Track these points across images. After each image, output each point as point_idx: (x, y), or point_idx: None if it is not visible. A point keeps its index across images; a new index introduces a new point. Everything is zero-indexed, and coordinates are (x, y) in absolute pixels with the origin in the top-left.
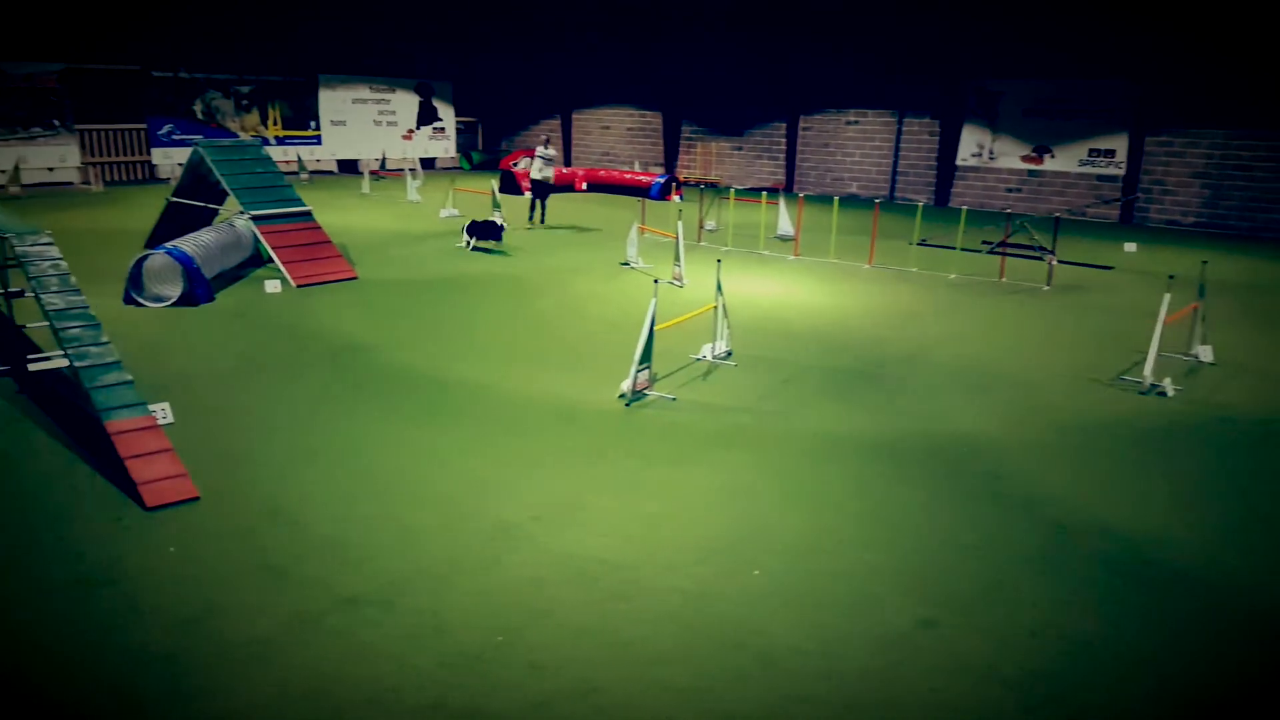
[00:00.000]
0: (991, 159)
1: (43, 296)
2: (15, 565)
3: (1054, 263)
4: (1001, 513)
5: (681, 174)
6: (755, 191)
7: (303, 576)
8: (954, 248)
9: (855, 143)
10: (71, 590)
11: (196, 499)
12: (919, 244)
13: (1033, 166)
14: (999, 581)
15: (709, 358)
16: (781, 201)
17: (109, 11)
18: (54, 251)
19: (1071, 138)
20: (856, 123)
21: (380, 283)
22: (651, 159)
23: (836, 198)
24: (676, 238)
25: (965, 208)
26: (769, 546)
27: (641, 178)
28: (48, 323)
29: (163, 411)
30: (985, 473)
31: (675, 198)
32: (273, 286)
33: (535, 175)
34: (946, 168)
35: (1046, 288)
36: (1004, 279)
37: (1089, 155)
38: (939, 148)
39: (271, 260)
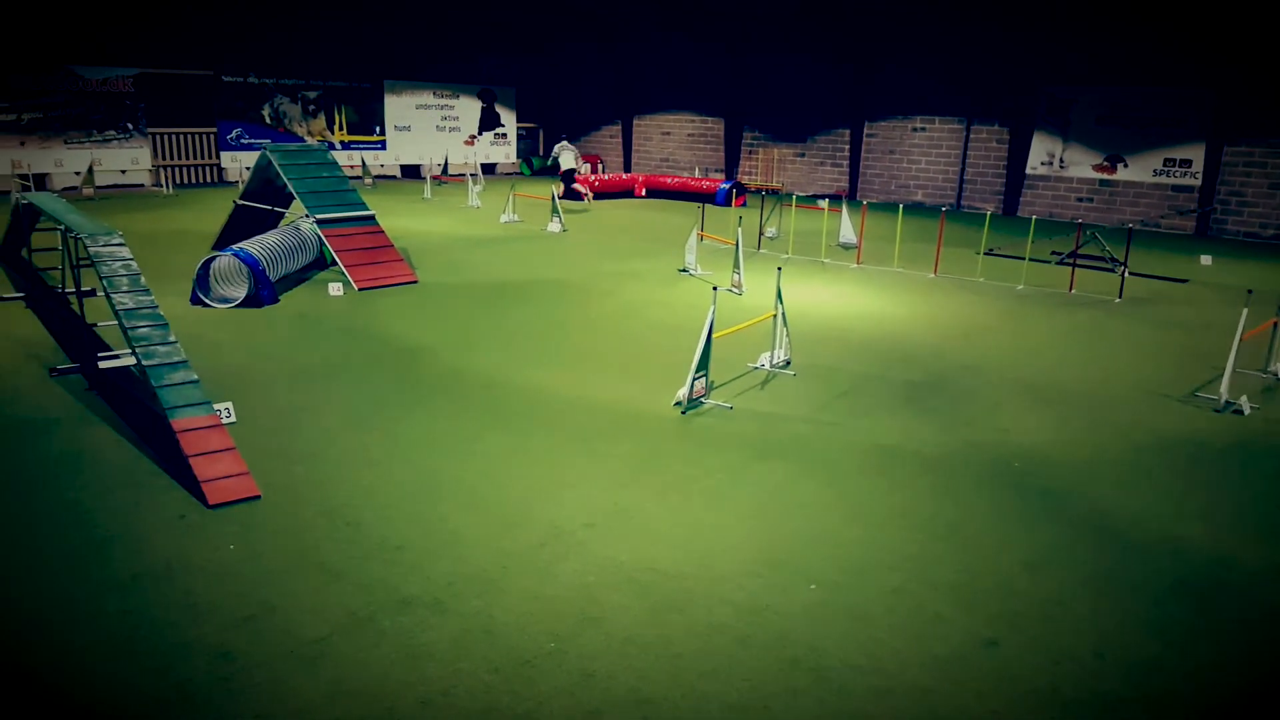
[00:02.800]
0: (1062, 168)
1: (113, 296)
2: (81, 559)
3: (1126, 275)
4: (1067, 531)
5: (743, 180)
6: (817, 198)
7: (359, 577)
8: (1022, 258)
9: (921, 149)
10: (133, 585)
11: (257, 497)
12: (986, 254)
13: (1105, 176)
14: (1063, 601)
15: (767, 366)
16: (844, 208)
17: (182, 18)
18: (125, 252)
19: (1146, 147)
20: (923, 129)
21: (440, 286)
22: (712, 165)
23: (901, 205)
24: (736, 244)
25: (1034, 217)
26: (825, 560)
27: (704, 184)
28: (117, 321)
29: (226, 410)
30: (1050, 489)
31: (739, 204)
32: (335, 289)
33: (572, 165)
34: (1015, 176)
35: (1118, 300)
36: (1074, 291)
37: (1164, 165)
38: (1008, 156)
39: (335, 263)
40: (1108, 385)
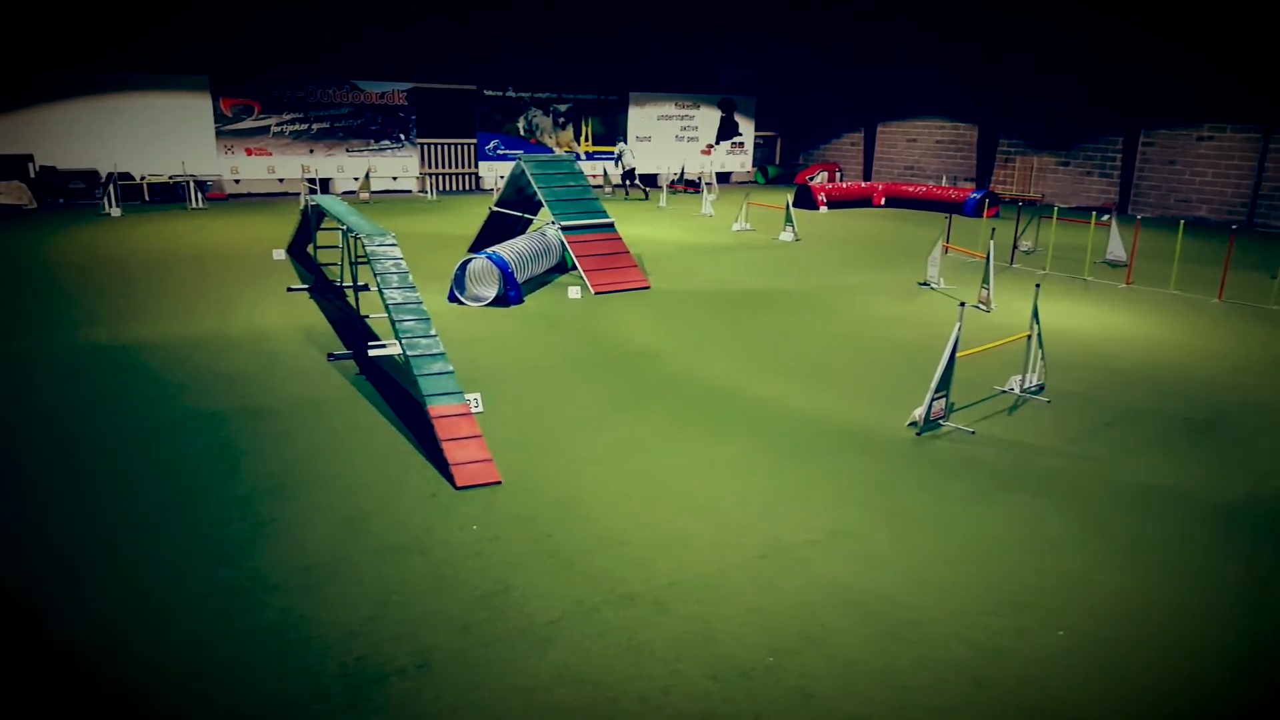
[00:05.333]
0: None
1: (385, 291)
2: (350, 526)
3: None
4: None
5: (996, 189)
6: (1082, 211)
7: (587, 567)
8: None
9: (1208, 160)
10: (390, 554)
11: (498, 484)
12: None
13: None
14: None
15: (1017, 390)
16: (1113, 223)
17: (451, 39)
18: (396, 252)
19: None
20: (1211, 138)
21: (671, 293)
22: (962, 173)
23: (1181, 221)
24: (987, 258)
25: None
26: (1076, 605)
27: (952, 193)
28: (387, 314)
29: (475, 401)
30: None
31: (990, 215)
32: (574, 292)
33: (632, 163)
34: None
35: None
36: None
37: None
38: None
39: (574, 268)
40: None
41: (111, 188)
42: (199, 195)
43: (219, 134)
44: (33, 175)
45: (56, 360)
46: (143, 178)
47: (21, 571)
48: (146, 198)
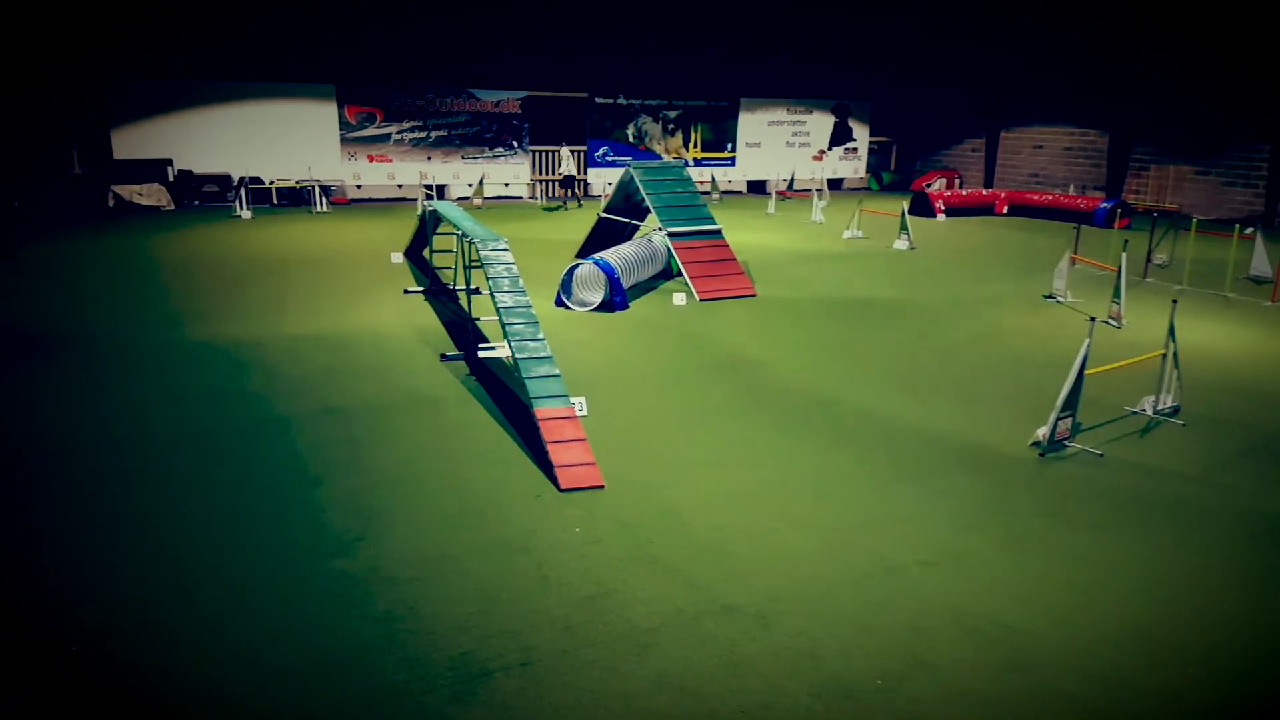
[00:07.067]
0: None
1: (496, 295)
2: (458, 523)
3: None
4: None
5: (1129, 199)
6: (1223, 224)
7: (688, 576)
8: None
9: None
10: (496, 552)
11: (601, 487)
12: None
13: None
14: None
15: (1149, 412)
16: (1258, 236)
17: (564, 48)
18: (508, 256)
19: None
20: None
21: (778, 301)
22: (1090, 182)
23: None
24: (1118, 271)
25: None
26: (1211, 643)
27: (1081, 202)
28: (497, 317)
29: (580, 405)
30: None
31: (1122, 225)
32: (679, 299)
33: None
34: None
35: None
36: None
37: None
38: None
39: (680, 275)
40: None
41: (243, 191)
42: (323, 199)
43: (343, 141)
44: (171, 179)
45: (189, 352)
46: (271, 182)
47: (157, 552)
48: (275, 201)
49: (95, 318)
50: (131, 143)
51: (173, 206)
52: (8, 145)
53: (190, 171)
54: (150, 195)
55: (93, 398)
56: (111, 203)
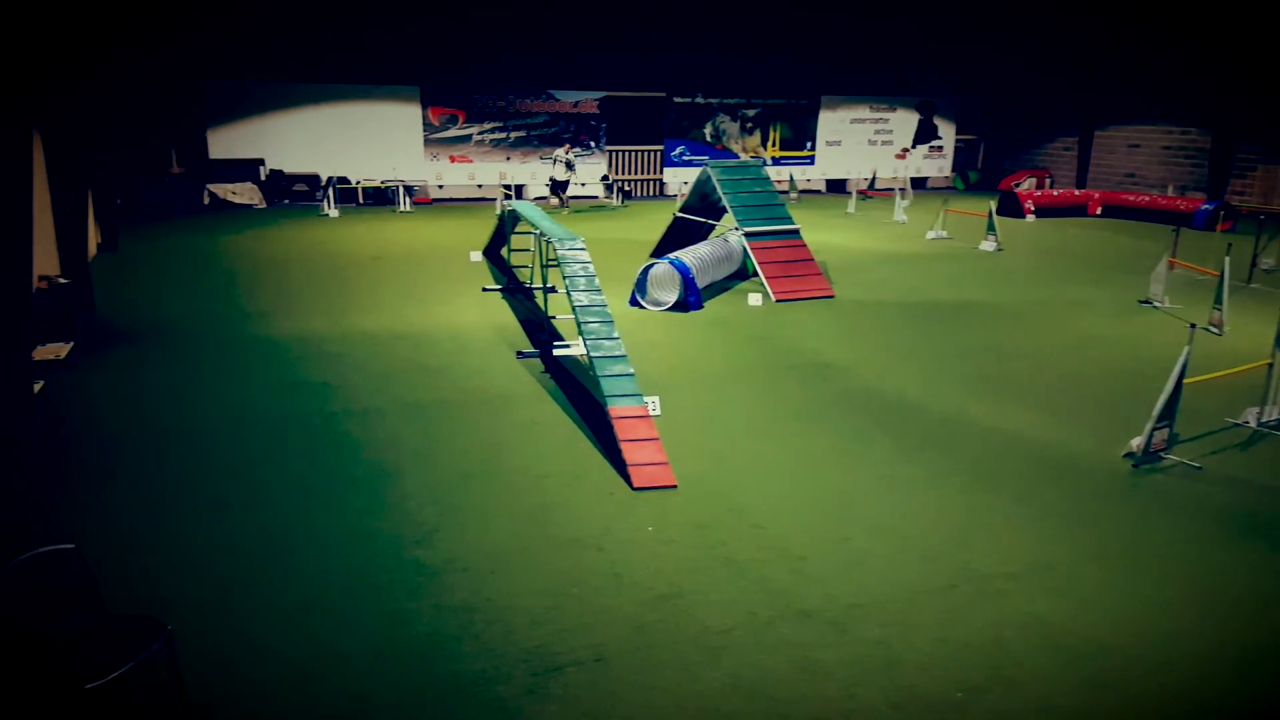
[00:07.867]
0: None
1: (572, 293)
2: (531, 518)
3: None
4: None
5: (1232, 201)
6: None
7: (761, 579)
8: None
9: None
10: (570, 548)
11: (674, 487)
12: None
13: None
14: None
15: (1253, 424)
16: None
17: (644, 45)
18: (585, 256)
19: None
20: None
21: (856, 303)
22: (1190, 182)
23: None
24: (1221, 276)
25: None
26: None
27: (1180, 204)
28: (573, 316)
29: (653, 404)
30: None
31: (1224, 228)
32: (754, 299)
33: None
34: None
35: None
36: None
37: None
38: None
39: (756, 275)
40: None
41: (330, 190)
42: (407, 199)
43: (426, 142)
44: (263, 178)
45: (279, 346)
46: (358, 182)
47: (246, 536)
48: (360, 200)
49: (191, 310)
50: (226, 143)
51: (264, 205)
52: (112, 146)
53: (281, 171)
54: (243, 194)
55: (184, 387)
56: (207, 200)
